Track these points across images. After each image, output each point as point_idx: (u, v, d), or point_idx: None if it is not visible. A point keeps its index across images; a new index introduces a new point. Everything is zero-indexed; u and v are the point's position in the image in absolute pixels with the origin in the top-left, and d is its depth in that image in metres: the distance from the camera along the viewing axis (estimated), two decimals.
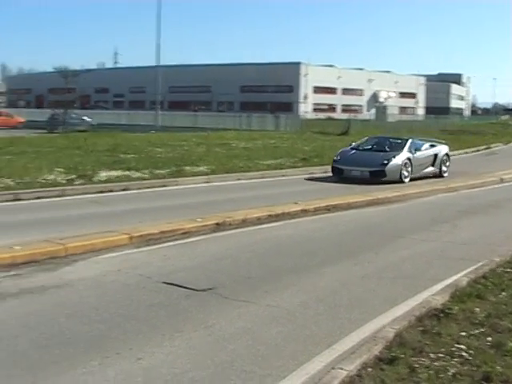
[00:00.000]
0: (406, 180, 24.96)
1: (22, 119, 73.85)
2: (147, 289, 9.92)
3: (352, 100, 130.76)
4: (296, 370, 6.98)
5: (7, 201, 17.54)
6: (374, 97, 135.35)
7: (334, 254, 12.82)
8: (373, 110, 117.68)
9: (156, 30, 69.72)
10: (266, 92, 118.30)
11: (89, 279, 10.48)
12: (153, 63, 76.06)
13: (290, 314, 8.91)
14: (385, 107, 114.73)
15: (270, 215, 16.15)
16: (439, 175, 27.26)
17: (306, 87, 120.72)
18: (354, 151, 26.51)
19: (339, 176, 25.18)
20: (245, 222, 15.30)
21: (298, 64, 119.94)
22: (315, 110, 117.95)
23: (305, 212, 17.14)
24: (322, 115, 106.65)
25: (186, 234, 13.85)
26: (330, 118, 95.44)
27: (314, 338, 7.99)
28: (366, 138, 29.20)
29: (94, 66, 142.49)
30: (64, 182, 20.43)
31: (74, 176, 21.29)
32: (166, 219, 14.89)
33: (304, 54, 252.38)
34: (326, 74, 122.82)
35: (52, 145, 34.29)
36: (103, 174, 22.17)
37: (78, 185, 20.12)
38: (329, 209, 17.83)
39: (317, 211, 17.42)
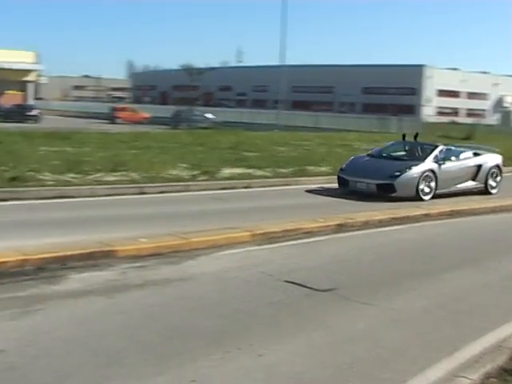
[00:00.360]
0: (426, 197, 19.99)
1: (146, 115, 75.77)
2: (268, 286, 9.97)
3: (476, 104, 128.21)
4: (416, 376, 6.88)
5: (133, 194, 17.95)
6: (499, 102, 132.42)
7: (456, 259, 12.59)
8: (497, 115, 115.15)
9: (281, 30, 70.15)
10: (388, 94, 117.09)
11: (211, 274, 10.62)
12: (276, 62, 76.54)
13: (410, 319, 8.83)
14: (510, 112, 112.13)
15: (392, 218, 15.99)
16: (485, 191, 22.24)
17: (429, 90, 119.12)
18: (367, 158, 21.98)
19: (345, 188, 20.74)
20: (367, 224, 15.20)
21: (421, 66, 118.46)
22: (438, 113, 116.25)
23: (428, 216, 16.91)
24: (444, 119, 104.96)
25: (308, 233, 13.85)
26: (453, 122, 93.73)
27: (434, 343, 7.87)
28: (390, 143, 24.36)
29: (217, 65, 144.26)
30: (188, 177, 20.78)
31: (197, 172, 21.57)
32: (287, 218, 14.95)
33: (426, 56, 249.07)
34: (449, 77, 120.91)
35: (176, 141, 34.84)
36: (226, 171, 22.38)
37: (201, 181, 20.41)
38: (452, 214, 17.53)
39: (440, 216, 17.16)
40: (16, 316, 8.18)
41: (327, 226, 14.46)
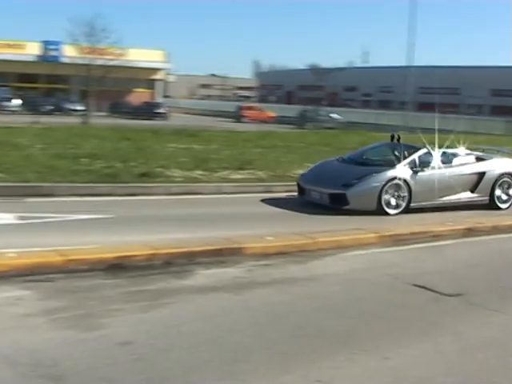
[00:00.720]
0: (393, 212, 15.91)
1: (272, 114, 76.30)
2: (395, 289, 9.88)
3: None
4: None
5: (259, 192, 18.08)
6: None
7: None
8: None
9: (408, 31, 69.40)
10: None
11: (337, 275, 10.59)
12: (402, 63, 75.77)
13: None
14: None
15: None
16: (491, 206, 17.65)
17: None
18: (336, 162, 18.04)
19: (302, 197, 17.36)
20: (495, 229, 14.83)
21: None
22: None
23: None
24: None
25: (436, 237, 13.61)
26: None
27: None
28: (372, 145, 20.29)
29: (343, 65, 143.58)
30: None
31: None
32: (412, 221, 14.82)
33: None
34: None
35: (302, 140, 34.94)
36: None
37: None
38: None
39: None
40: (144, 309, 8.35)
41: (455, 229, 14.19)
